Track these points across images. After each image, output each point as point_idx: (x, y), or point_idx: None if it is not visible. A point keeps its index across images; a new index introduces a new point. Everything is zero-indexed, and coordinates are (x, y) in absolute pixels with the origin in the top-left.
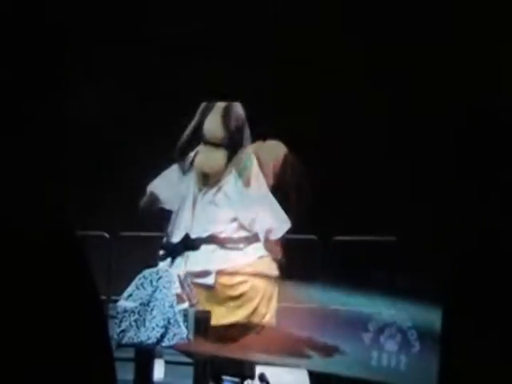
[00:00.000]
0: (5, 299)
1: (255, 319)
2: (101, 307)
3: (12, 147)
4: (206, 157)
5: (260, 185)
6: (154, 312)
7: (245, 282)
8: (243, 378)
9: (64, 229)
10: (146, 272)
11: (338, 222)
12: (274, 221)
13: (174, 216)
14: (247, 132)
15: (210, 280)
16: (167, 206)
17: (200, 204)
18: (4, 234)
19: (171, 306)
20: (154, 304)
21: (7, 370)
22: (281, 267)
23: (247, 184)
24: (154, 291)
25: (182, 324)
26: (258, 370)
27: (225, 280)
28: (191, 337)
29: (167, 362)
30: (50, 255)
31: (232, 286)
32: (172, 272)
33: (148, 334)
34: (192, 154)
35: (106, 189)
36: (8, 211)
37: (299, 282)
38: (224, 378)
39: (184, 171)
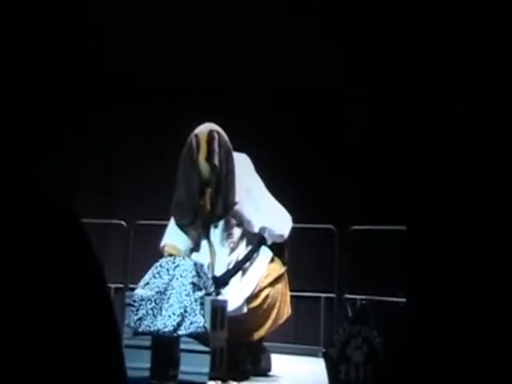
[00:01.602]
0: (5, 286)
1: (279, 321)
2: (105, 290)
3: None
4: (206, 200)
5: (261, 192)
6: (171, 300)
7: (268, 294)
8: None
9: (64, 214)
10: (163, 260)
11: (354, 212)
12: (281, 225)
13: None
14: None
15: (243, 310)
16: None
17: (215, 242)
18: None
19: (188, 295)
20: (171, 292)
21: (11, 357)
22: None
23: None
24: (171, 280)
25: (198, 312)
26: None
27: (253, 302)
28: (208, 325)
29: (183, 351)
30: (50, 240)
31: (260, 306)
32: (188, 261)
33: (164, 322)
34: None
35: (124, 178)
36: (9, 198)
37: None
38: None
39: (189, 222)
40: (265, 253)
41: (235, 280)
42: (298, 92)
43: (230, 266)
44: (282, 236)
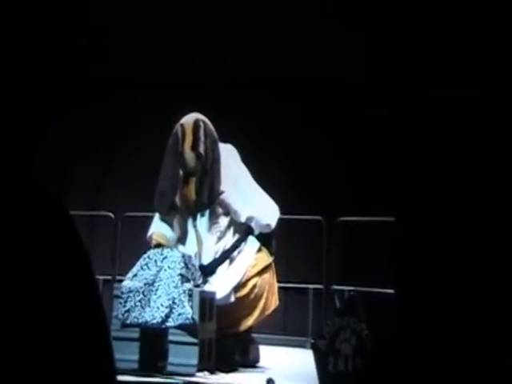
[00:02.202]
0: None
1: (267, 312)
2: (93, 279)
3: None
4: (191, 189)
5: (247, 182)
6: (159, 292)
7: (255, 284)
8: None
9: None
10: (151, 252)
11: (343, 203)
12: (268, 215)
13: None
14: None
15: (230, 299)
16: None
17: (202, 231)
18: None
19: (176, 287)
20: (159, 284)
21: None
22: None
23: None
24: (159, 271)
25: (186, 304)
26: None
27: (240, 291)
28: (196, 317)
29: (171, 342)
30: (36, 226)
31: (248, 295)
32: (176, 252)
33: (153, 313)
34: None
35: (112, 170)
36: None
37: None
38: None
39: (170, 211)
40: (252, 242)
41: (222, 269)
42: (286, 82)
43: (217, 255)
44: (269, 226)
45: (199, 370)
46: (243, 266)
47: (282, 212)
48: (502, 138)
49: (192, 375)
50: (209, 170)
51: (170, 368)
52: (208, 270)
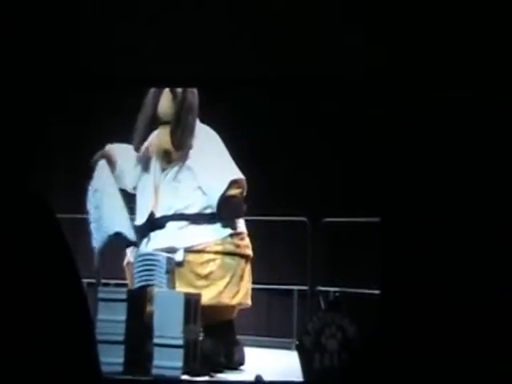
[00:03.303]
0: None
1: (225, 299)
2: (79, 280)
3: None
4: (165, 135)
5: (216, 151)
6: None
7: (213, 260)
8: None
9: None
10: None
11: (328, 204)
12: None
13: (136, 198)
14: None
15: (178, 257)
16: (129, 188)
17: (163, 183)
18: None
19: None
20: None
21: None
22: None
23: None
24: None
25: None
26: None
27: (193, 258)
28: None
29: (156, 345)
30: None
31: (201, 264)
32: None
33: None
34: (150, 138)
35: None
36: None
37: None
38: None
39: (141, 157)
40: (226, 226)
41: (174, 227)
42: (268, 80)
43: (170, 212)
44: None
45: (184, 373)
46: (204, 235)
47: (267, 213)
48: (502, 138)
49: (177, 378)
50: (182, 117)
51: (155, 371)
52: (155, 223)
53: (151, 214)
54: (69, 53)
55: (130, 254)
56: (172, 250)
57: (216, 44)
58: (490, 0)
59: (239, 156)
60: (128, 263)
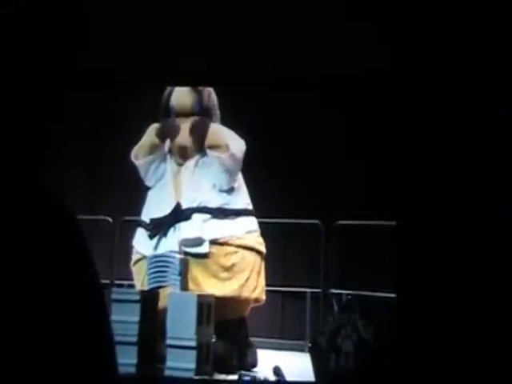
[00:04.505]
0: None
1: (245, 293)
2: (99, 285)
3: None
4: (182, 129)
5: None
6: None
7: (236, 252)
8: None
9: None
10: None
11: (341, 207)
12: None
13: (151, 194)
14: (217, 109)
15: (204, 249)
16: (146, 181)
17: (183, 177)
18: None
19: None
20: None
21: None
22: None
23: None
24: None
25: None
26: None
27: (217, 249)
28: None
29: (169, 346)
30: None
31: (225, 256)
32: None
33: None
34: (165, 131)
35: (110, 173)
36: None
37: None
38: (242, 372)
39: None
40: (246, 222)
41: (199, 219)
42: (285, 80)
43: (194, 205)
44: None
45: (197, 374)
46: (226, 228)
47: (280, 216)
48: (501, 138)
49: (190, 379)
50: (210, 109)
51: (167, 372)
52: (181, 214)
53: (177, 205)
54: (81, 51)
55: (135, 255)
56: (199, 241)
57: (219, 42)
58: (490, 0)
59: (250, 160)
60: (135, 263)
